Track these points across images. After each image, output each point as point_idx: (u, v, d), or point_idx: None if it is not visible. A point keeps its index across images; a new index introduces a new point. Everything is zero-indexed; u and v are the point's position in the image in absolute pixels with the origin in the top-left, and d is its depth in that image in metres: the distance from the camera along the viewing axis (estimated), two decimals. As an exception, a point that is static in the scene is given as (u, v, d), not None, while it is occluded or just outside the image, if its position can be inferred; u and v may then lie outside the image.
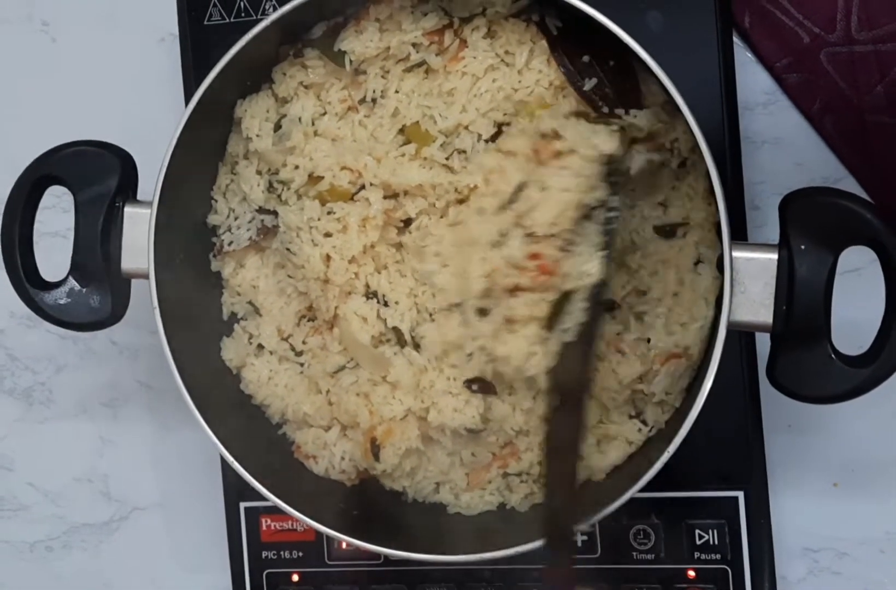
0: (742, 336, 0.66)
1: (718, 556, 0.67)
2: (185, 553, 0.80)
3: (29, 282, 0.62)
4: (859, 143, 0.67)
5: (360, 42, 0.60)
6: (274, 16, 0.58)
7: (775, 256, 0.54)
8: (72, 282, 0.62)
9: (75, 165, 0.61)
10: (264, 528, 0.72)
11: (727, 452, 0.67)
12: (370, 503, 0.65)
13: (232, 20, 0.71)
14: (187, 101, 0.71)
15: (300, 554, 0.72)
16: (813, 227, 0.53)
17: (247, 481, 0.60)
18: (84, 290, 0.62)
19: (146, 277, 0.60)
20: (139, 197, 0.63)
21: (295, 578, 0.72)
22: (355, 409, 0.63)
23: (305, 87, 0.63)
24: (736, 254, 0.54)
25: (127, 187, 0.62)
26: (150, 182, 0.61)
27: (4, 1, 0.81)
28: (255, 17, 0.71)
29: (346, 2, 0.60)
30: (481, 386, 0.61)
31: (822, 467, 0.70)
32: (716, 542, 0.67)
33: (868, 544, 0.70)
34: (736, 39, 0.68)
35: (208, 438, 0.63)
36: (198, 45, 0.72)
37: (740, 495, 0.66)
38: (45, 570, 0.82)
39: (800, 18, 0.67)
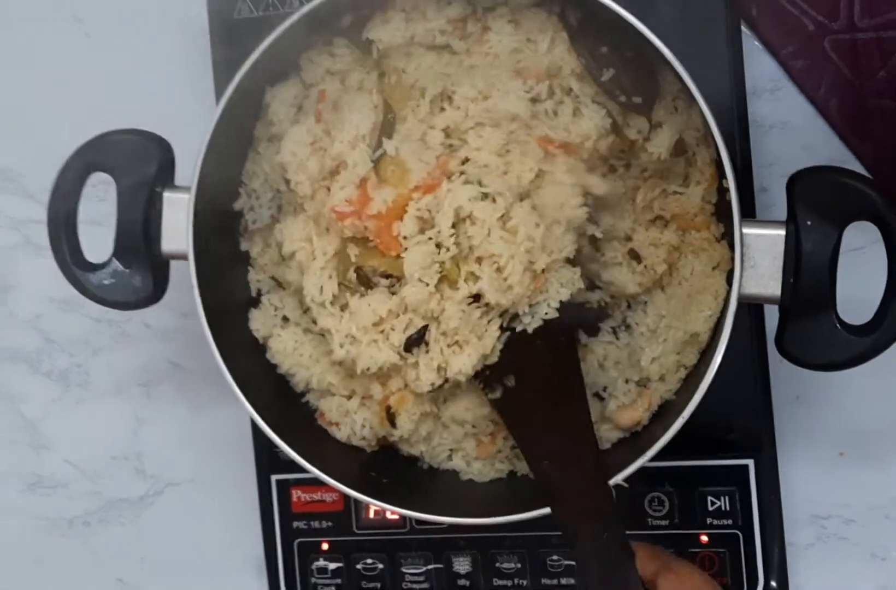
0: (752, 313, 0.69)
1: (730, 521, 0.70)
2: (218, 526, 0.82)
3: (75, 264, 0.64)
4: (862, 126, 0.69)
5: (386, 31, 0.63)
6: (304, 10, 0.60)
7: (783, 232, 0.57)
8: (115, 263, 0.65)
9: (117, 153, 0.64)
10: (295, 499, 0.75)
11: (737, 422, 0.69)
12: (390, 469, 0.67)
13: (260, 14, 0.74)
14: (217, 92, 0.74)
15: (329, 524, 0.75)
16: (819, 203, 0.56)
17: (278, 445, 0.62)
18: (127, 271, 0.64)
19: (185, 257, 0.63)
20: (176, 182, 0.66)
21: (324, 546, 0.75)
22: (367, 381, 0.65)
23: (331, 73, 0.66)
24: (746, 230, 0.57)
25: (166, 173, 0.65)
26: (181, 168, 0.64)
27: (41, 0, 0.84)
28: (281, 11, 0.73)
29: None
30: (415, 340, 0.62)
31: (829, 438, 0.73)
32: (727, 508, 0.70)
33: (874, 510, 0.72)
34: (743, 28, 0.70)
35: (238, 416, 0.65)
36: (227, 39, 0.74)
37: (750, 463, 0.69)
38: (83, 544, 0.85)
39: (804, 7, 0.69)
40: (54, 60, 0.84)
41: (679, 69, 0.56)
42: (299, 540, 0.76)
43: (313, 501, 0.75)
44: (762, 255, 0.57)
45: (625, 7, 0.57)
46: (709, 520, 0.70)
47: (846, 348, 0.56)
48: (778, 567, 0.70)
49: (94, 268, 0.65)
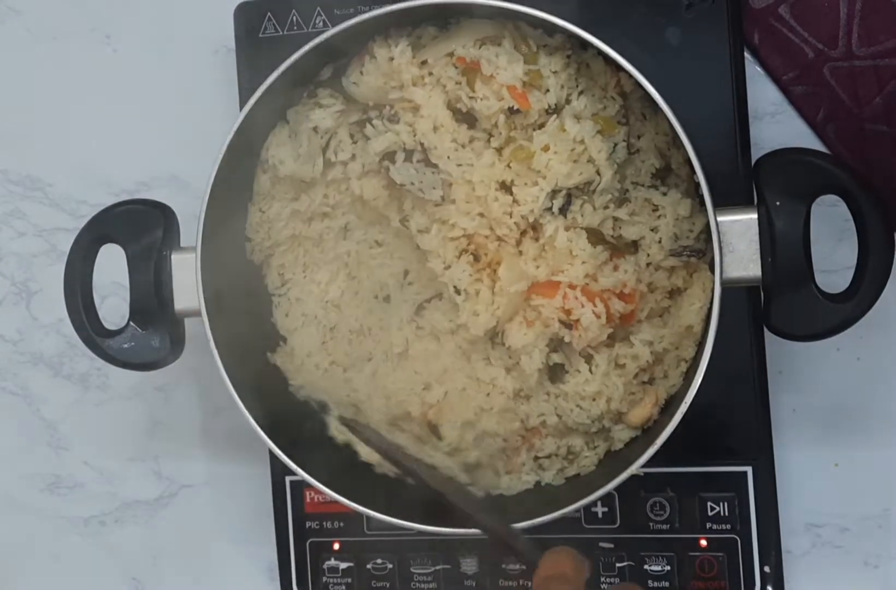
0: (750, 329, 0.71)
1: (728, 526, 0.72)
2: (232, 527, 0.86)
3: (94, 332, 0.68)
4: (858, 149, 0.72)
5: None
6: (284, 65, 0.64)
7: (755, 215, 0.60)
8: (133, 327, 0.68)
9: (124, 224, 0.68)
10: (308, 500, 0.79)
11: (737, 430, 0.72)
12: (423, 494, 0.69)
13: (285, 33, 0.78)
14: (242, 105, 0.77)
15: (341, 524, 0.78)
16: (784, 183, 0.60)
17: (333, 498, 0.65)
18: (144, 333, 0.68)
19: (198, 315, 0.67)
20: (183, 242, 0.70)
21: (336, 546, 0.78)
22: (406, 398, 0.69)
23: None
24: (720, 218, 0.60)
25: (171, 237, 0.69)
26: (200, 186, 0.67)
27: (71, 16, 0.88)
28: (306, 30, 0.77)
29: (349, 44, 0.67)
30: None
31: (824, 449, 0.75)
32: (726, 513, 0.72)
33: (867, 519, 0.75)
34: (746, 55, 0.74)
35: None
36: (252, 57, 0.79)
37: (749, 470, 0.72)
38: (98, 543, 0.89)
39: (805, 36, 0.73)
40: (81, 74, 0.88)
41: (632, 71, 0.60)
42: (311, 540, 0.79)
43: (326, 501, 0.77)
44: (739, 239, 0.61)
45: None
46: (708, 525, 0.73)
47: (830, 316, 0.60)
48: (774, 572, 0.72)
49: (114, 334, 0.69)
